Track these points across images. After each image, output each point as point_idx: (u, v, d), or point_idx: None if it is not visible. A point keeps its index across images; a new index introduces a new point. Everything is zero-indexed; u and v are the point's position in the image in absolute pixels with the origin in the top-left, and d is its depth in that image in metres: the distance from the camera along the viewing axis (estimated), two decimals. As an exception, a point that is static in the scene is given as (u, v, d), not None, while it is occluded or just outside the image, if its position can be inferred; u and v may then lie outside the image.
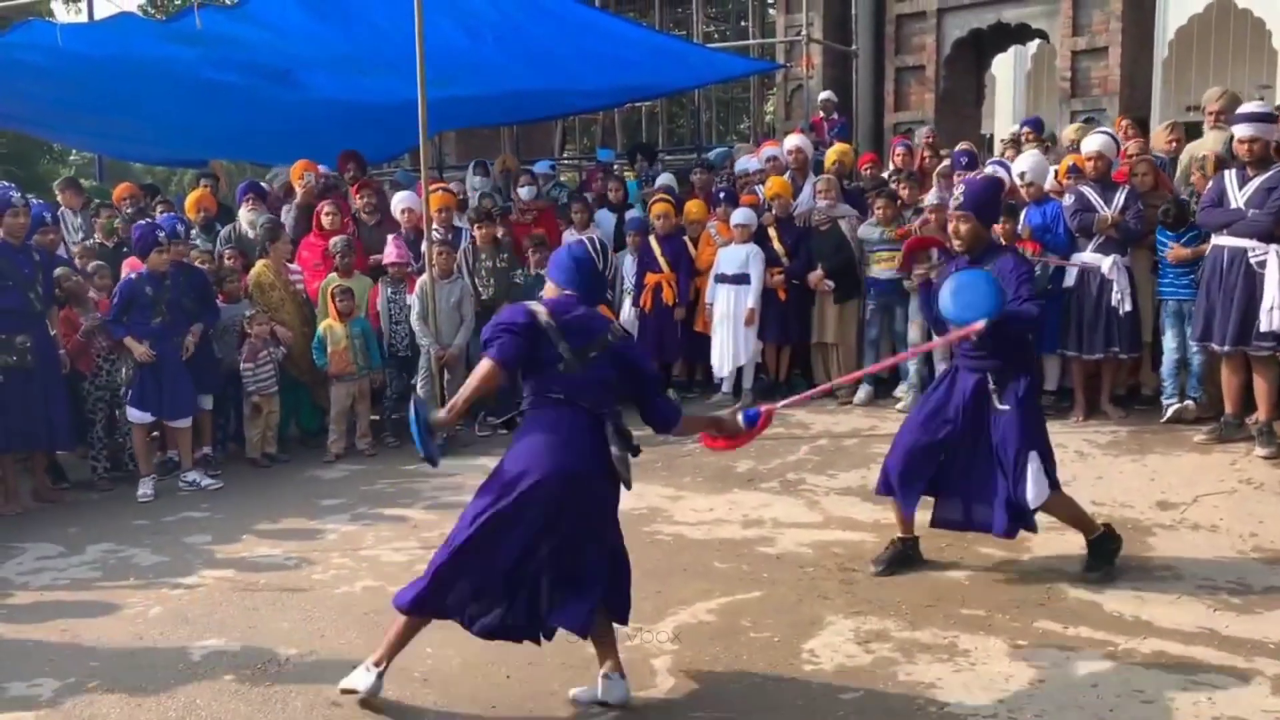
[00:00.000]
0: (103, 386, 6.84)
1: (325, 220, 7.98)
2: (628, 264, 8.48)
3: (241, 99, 9.32)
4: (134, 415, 6.64)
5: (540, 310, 3.54)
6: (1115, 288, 6.72)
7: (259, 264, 7.60)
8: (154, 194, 9.74)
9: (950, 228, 4.60)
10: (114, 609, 4.75)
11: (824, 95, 11.52)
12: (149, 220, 7.76)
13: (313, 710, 3.72)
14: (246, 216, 8.38)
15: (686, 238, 8.33)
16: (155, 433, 7.02)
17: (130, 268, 7.35)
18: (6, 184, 6.67)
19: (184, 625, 4.52)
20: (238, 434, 7.52)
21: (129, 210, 8.96)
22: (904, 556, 4.76)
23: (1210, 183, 6.36)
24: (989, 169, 7.49)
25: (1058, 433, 6.68)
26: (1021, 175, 7.11)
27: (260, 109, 9.64)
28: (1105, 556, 4.61)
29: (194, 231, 8.52)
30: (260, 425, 7.25)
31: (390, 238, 7.79)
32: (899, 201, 7.72)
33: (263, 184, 9.59)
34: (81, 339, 6.72)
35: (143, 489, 6.55)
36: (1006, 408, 4.44)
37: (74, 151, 21.48)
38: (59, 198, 9.67)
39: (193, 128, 10.32)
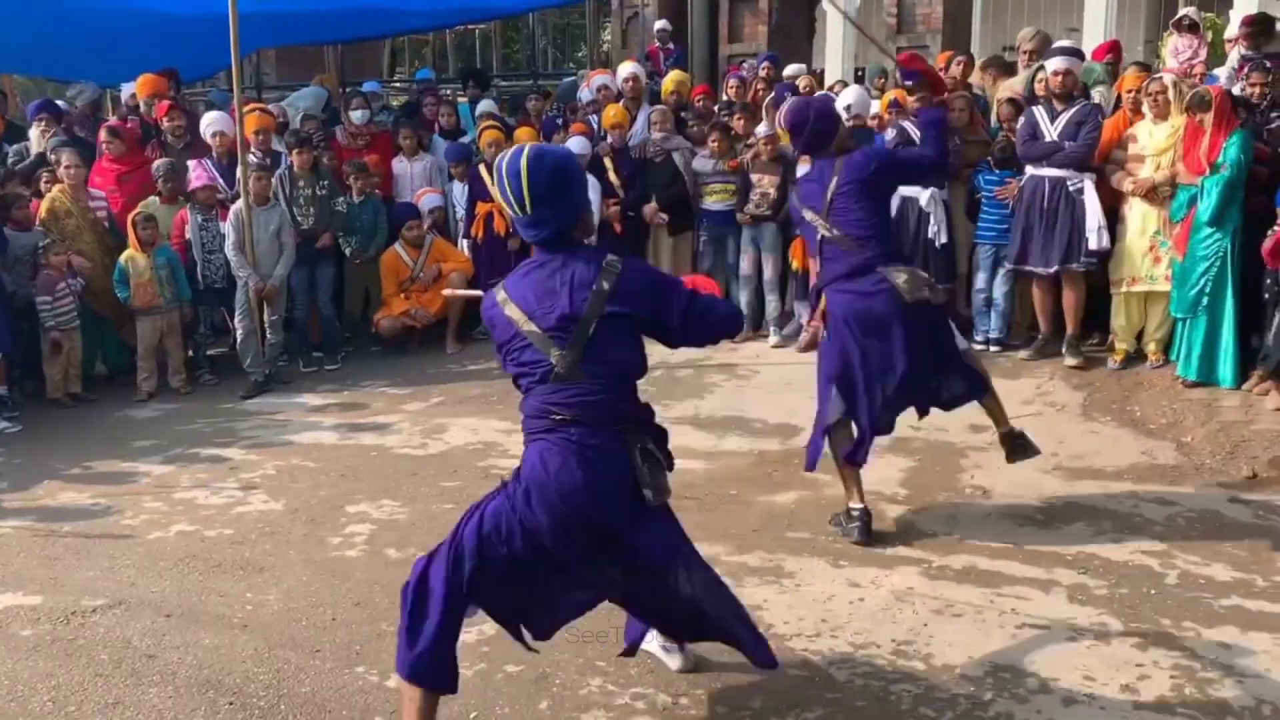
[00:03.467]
0: (-126, 322, 6.21)
1: (106, 147, 7.41)
2: (457, 192, 8.23)
3: (34, 5, 8.48)
4: None
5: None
6: (932, 220, 6.96)
7: (55, 189, 7.00)
8: None
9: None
10: (-107, 565, 4.36)
11: (659, 24, 11.43)
12: None
13: (120, 664, 3.52)
14: (37, 138, 7.70)
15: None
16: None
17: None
18: None
19: (-25, 579, 4.20)
20: (36, 372, 6.98)
21: None
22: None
23: (1022, 118, 6.67)
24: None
25: (880, 361, 6.97)
26: (847, 108, 7.22)
27: (57, 18, 8.80)
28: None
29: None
30: (61, 363, 6.75)
31: (193, 162, 7.29)
32: (732, 133, 7.75)
33: (59, 103, 8.81)
34: None
35: None
36: None
37: None
38: None
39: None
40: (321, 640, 3.65)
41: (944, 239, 6.95)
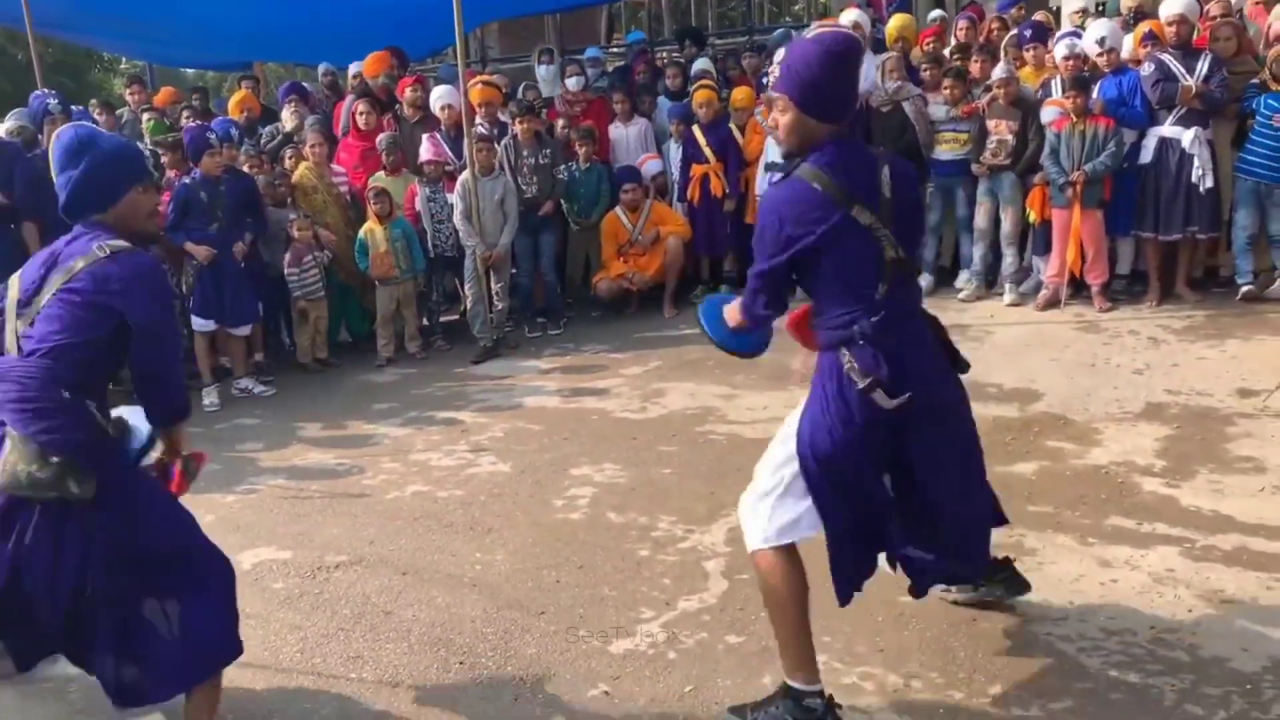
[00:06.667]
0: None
1: (359, 120, 7.79)
2: (673, 154, 8.15)
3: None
4: (197, 324, 6.62)
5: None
6: (1196, 163, 6.30)
7: (301, 166, 7.45)
8: (202, 97, 9.50)
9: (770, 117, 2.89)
10: (167, 518, 4.76)
11: (882, -32, 10.88)
12: (199, 123, 7.63)
13: (361, 618, 3.69)
14: (289, 118, 8.21)
15: (733, 125, 7.94)
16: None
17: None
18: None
19: (235, 533, 4.51)
20: (289, 340, 7.49)
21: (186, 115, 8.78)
22: None
23: None
24: (1062, 42, 7.00)
25: (1131, 319, 6.42)
26: (1101, 41, 6.64)
27: (298, 7, 9.40)
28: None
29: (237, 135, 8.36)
30: (309, 331, 7.19)
31: (425, 135, 7.56)
32: (968, 78, 7.27)
33: (305, 85, 9.39)
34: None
35: (208, 398, 6.55)
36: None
37: (124, 60, 21.39)
38: (128, 98, 9.60)
39: (232, 29, 10.11)
40: (546, 602, 3.69)
41: (1209, 183, 6.29)
